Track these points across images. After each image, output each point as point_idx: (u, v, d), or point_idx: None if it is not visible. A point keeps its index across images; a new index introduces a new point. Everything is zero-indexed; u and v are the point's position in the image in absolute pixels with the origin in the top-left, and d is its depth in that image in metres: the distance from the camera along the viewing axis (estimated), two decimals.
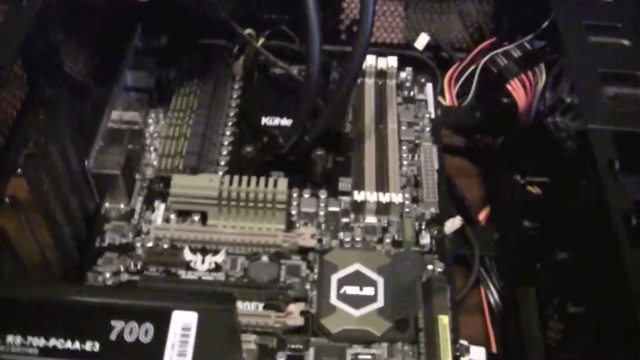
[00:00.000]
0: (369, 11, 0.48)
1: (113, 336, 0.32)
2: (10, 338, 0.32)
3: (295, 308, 0.47)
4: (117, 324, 0.32)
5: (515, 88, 0.56)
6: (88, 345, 0.32)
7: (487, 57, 0.60)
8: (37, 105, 0.47)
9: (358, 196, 0.53)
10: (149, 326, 0.32)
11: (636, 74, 0.45)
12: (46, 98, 0.48)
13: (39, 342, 0.32)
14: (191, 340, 0.32)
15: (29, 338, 0.32)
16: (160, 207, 0.55)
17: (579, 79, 0.46)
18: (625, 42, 0.47)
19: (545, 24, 0.54)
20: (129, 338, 0.32)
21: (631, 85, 0.45)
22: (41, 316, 0.33)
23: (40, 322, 0.32)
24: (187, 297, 0.34)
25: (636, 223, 0.37)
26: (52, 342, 0.32)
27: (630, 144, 0.41)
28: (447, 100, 0.63)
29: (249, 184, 0.53)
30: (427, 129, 0.60)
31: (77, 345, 0.32)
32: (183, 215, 0.54)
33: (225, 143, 0.59)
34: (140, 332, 0.32)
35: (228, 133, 0.59)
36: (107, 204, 0.55)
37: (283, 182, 0.53)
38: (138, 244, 0.52)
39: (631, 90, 0.44)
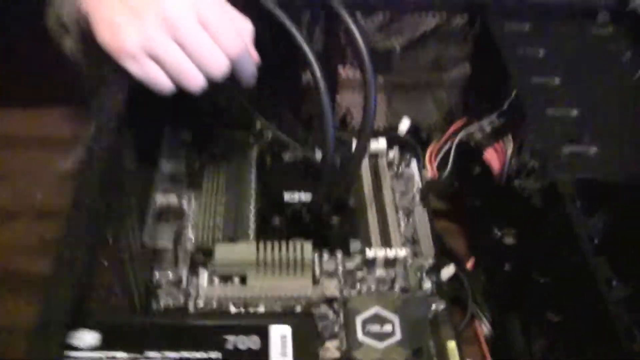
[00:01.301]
0: (371, 109, 0.62)
1: (230, 346, 0.43)
2: (150, 353, 0.42)
3: (330, 345, 0.58)
4: (231, 338, 0.43)
5: (490, 157, 0.66)
6: (213, 355, 0.42)
7: (461, 133, 0.71)
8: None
9: (369, 253, 0.65)
10: (255, 338, 0.43)
11: (585, 137, 0.59)
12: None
13: (173, 355, 0.42)
14: (289, 344, 0.43)
15: (165, 352, 0.42)
16: (204, 274, 0.66)
17: (540, 143, 0.59)
18: (575, 112, 0.61)
19: (508, 102, 0.65)
20: (242, 347, 0.43)
21: (583, 146, 0.58)
22: (172, 336, 0.44)
23: (172, 340, 0.43)
24: (280, 315, 0.45)
25: (597, 241, 0.50)
26: (184, 354, 0.42)
27: (588, 189, 0.54)
28: (429, 173, 0.75)
29: (280, 249, 0.64)
30: (417, 197, 0.73)
31: (203, 355, 0.42)
32: (224, 278, 0.65)
33: (252, 217, 0.70)
34: (249, 343, 0.43)
35: (253, 209, 0.71)
36: (157, 273, 0.66)
37: (308, 247, 0.64)
38: (190, 304, 0.63)
39: (584, 149, 0.57)
